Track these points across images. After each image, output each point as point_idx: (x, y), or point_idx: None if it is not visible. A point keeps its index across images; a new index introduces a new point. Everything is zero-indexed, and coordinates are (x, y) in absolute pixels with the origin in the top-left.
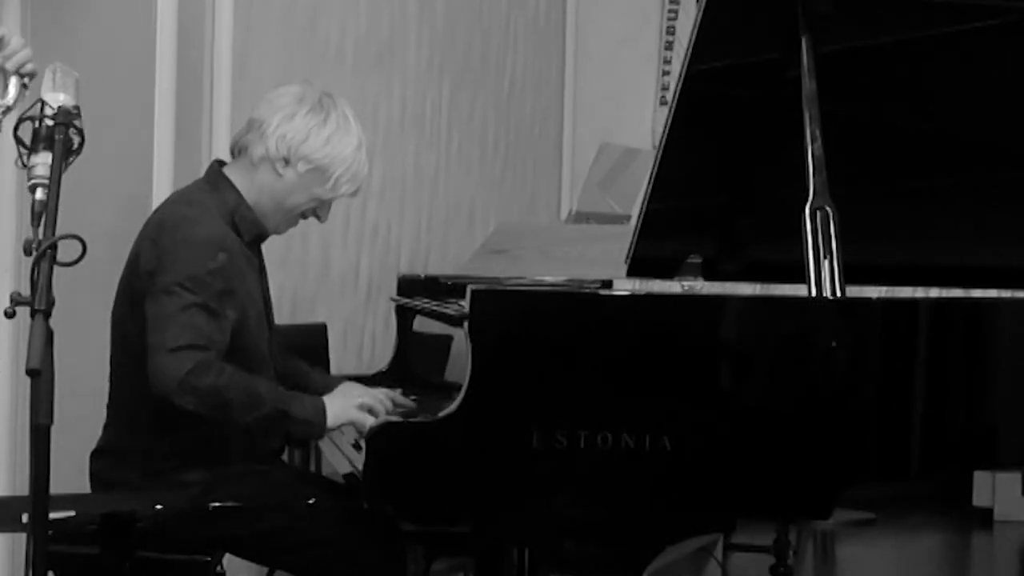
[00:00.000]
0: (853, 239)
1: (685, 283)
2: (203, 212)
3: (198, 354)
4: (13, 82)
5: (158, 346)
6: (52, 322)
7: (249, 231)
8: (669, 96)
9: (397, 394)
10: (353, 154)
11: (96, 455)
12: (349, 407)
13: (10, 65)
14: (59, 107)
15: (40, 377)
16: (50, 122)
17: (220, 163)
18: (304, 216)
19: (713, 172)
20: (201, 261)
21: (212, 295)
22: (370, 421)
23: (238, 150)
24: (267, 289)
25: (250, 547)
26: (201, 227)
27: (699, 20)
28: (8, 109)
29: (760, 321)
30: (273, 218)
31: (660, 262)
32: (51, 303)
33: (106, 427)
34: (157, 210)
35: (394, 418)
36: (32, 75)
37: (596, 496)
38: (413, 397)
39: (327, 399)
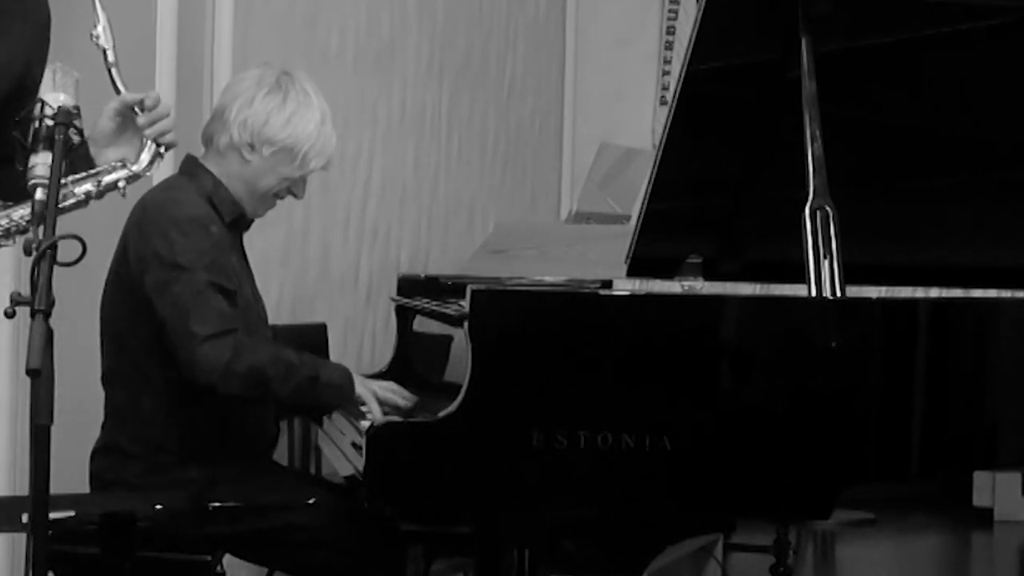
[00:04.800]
0: (853, 239)
1: (685, 283)
2: (183, 194)
3: (231, 339)
4: (149, 148)
5: (189, 337)
6: (52, 322)
7: (229, 212)
8: (669, 96)
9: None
10: (317, 129)
11: (96, 454)
12: (371, 385)
13: (150, 132)
14: (59, 107)
15: (40, 377)
16: (50, 122)
17: (193, 156)
18: (280, 196)
19: (713, 172)
20: (194, 238)
21: (218, 272)
22: (378, 412)
23: (206, 140)
24: (253, 280)
25: (250, 547)
26: (184, 206)
27: (699, 20)
28: (135, 176)
29: (760, 321)
30: (249, 202)
31: (660, 262)
32: (51, 303)
33: (105, 423)
34: (137, 202)
35: (394, 418)
36: (170, 146)
37: (596, 496)
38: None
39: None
